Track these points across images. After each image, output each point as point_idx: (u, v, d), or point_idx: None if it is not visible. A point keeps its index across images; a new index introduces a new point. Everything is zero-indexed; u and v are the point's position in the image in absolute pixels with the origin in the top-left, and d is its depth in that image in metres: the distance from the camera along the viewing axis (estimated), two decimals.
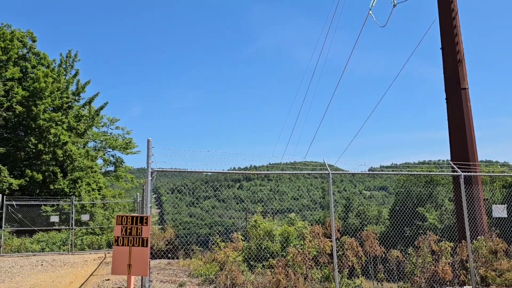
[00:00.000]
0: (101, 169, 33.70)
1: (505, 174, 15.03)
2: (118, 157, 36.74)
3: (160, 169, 7.96)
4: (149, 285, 7.59)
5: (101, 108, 30.61)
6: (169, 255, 17.14)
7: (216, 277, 10.93)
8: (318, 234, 10.19)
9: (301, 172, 9.26)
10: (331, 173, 8.86)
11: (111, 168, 36.49)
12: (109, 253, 19.39)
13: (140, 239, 6.79)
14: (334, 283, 10.39)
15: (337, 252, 11.36)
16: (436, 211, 44.19)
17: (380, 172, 9.61)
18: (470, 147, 15.82)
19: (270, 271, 9.58)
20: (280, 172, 9.42)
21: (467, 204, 13.75)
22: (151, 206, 7.96)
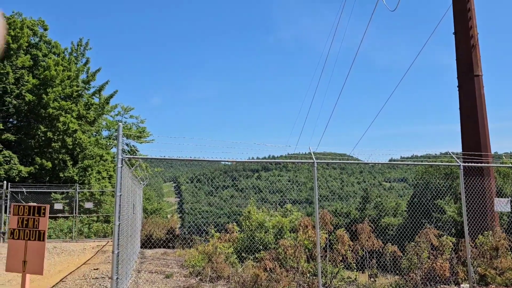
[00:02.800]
0: (114, 158, 33.86)
1: (507, 165, 14.11)
2: (133, 145, 36.91)
3: (131, 157, 7.61)
4: (116, 277, 7.29)
5: (111, 96, 30.61)
6: (169, 244, 16.96)
7: (203, 269, 10.62)
8: (307, 226, 9.69)
9: (286, 161, 8.78)
10: (316, 162, 8.34)
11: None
12: (112, 241, 19.38)
13: (37, 232, 6.08)
14: (325, 277, 9.94)
15: (332, 245, 10.89)
16: (455, 203, 42.85)
17: (370, 162, 9.01)
18: (482, 136, 14.96)
19: (253, 264, 9.16)
20: (264, 161, 8.97)
21: (477, 196, 13.02)
22: (120, 195, 7.63)
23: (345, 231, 10.17)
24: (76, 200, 20.10)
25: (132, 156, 7.51)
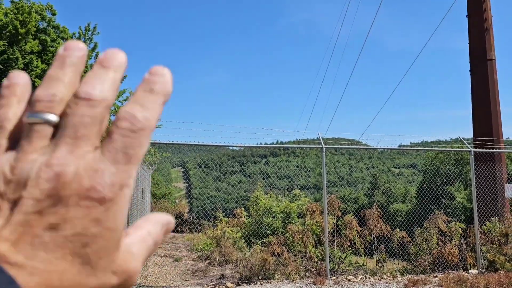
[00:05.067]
0: None
1: None
2: None
3: None
4: None
5: (120, 81, 30.56)
6: (178, 229, 17.12)
7: (212, 253, 10.70)
8: (315, 211, 9.69)
9: (294, 146, 8.74)
10: (325, 147, 8.28)
11: None
12: None
13: None
14: (333, 262, 9.97)
15: (340, 231, 10.91)
16: (465, 190, 42.60)
17: (378, 147, 8.93)
18: (494, 122, 14.76)
19: (261, 249, 9.21)
20: (272, 146, 8.94)
21: (488, 182, 12.88)
22: None
23: (353, 217, 10.15)
24: None
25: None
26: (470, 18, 15.57)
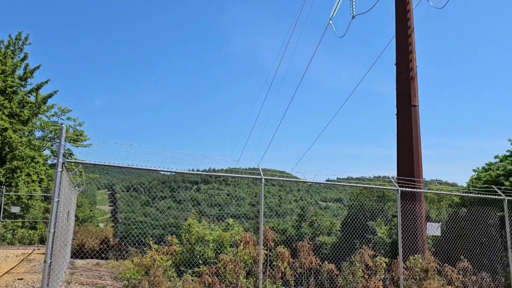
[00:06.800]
0: (46, 161, 32.00)
1: (442, 192, 15.17)
2: (68, 149, 35.03)
3: (73, 161, 7.26)
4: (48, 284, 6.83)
5: (50, 96, 28.96)
6: (103, 255, 16.22)
7: (139, 282, 10.23)
8: (248, 242, 9.70)
9: (234, 175, 8.79)
10: (264, 178, 8.42)
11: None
12: (38, 249, 18.15)
13: None
14: None
15: (271, 262, 10.97)
16: (385, 225, 45.11)
17: (310, 181, 9.28)
18: (416, 163, 15.87)
19: (192, 279, 8.99)
20: (209, 173, 8.91)
21: (409, 220, 13.76)
22: (58, 201, 7.23)
23: (285, 248, 10.28)
24: (1, 203, 18.67)
25: (74, 161, 7.16)
26: (398, 66, 16.82)
